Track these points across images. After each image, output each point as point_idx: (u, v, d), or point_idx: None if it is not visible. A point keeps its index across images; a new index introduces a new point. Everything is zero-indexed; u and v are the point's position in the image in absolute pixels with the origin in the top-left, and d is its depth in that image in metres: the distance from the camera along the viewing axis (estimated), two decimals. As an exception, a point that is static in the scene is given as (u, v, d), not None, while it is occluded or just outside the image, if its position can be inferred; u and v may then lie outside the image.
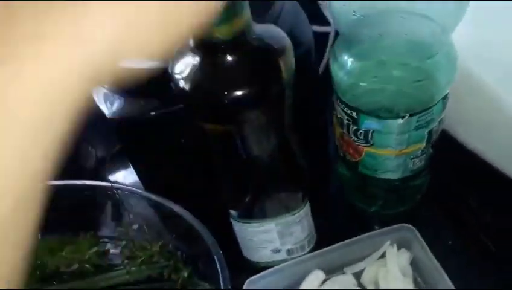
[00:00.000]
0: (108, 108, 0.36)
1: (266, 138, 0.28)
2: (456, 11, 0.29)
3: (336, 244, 0.39)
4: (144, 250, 0.41)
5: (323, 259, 0.39)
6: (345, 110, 0.33)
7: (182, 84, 0.25)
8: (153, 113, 0.34)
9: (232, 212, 0.34)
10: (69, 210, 0.46)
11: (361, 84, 0.32)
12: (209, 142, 0.29)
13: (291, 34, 0.32)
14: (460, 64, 0.33)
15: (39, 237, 0.41)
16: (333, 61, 0.33)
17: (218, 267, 0.34)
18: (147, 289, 0.40)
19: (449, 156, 0.45)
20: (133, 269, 0.40)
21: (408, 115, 0.33)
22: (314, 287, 0.38)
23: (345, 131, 0.35)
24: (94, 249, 0.41)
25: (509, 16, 0.37)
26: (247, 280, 0.37)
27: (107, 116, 0.35)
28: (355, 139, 0.35)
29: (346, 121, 0.34)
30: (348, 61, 0.32)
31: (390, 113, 0.33)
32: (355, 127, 0.34)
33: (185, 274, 0.39)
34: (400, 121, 0.33)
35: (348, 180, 0.40)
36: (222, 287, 0.33)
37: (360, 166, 0.37)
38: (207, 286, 0.38)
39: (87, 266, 0.40)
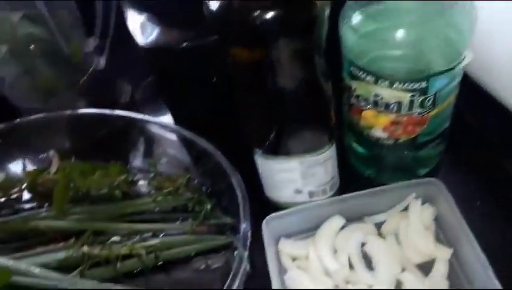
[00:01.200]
0: (142, 37, 0.36)
1: (295, 68, 0.28)
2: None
3: (359, 192, 0.38)
4: (170, 182, 0.43)
5: (345, 205, 0.39)
6: (408, 87, 0.31)
7: (213, 5, 0.25)
8: (186, 43, 0.35)
9: (257, 148, 0.34)
10: (102, 139, 0.48)
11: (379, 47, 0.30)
12: (237, 73, 0.29)
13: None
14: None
15: (73, 160, 0.43)
16: (344, 23, 0.31)
17: (240, 200, 0.35)
18: (171, 218, 0.41)
19: (487, 117, 0.44)
20: (159, 198, 0.42)
21: (466, 55, 0.31)
22: (332, 232, 0.39)
23: (403, 112, 0.32)
24: (123, 177, 0.43)
25: None
26: (266, 218, 0.37)
27: (140, 45, 0.36)
28: (421, 110, 0.32)
29: (410, 98, 0.31)
30: (363, 22, 0.30)
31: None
32: (422, 98, 0.32)
33: (208, 207, 0.40)
34: (464, 62, 0.31)
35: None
36: (242, 219, 0.34)
37: (420, 137, 0.36)
38: (228, 219, 0.39)
39: (116, 191, 0.42)
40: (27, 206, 0.46)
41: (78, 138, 0.50)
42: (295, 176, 0.35)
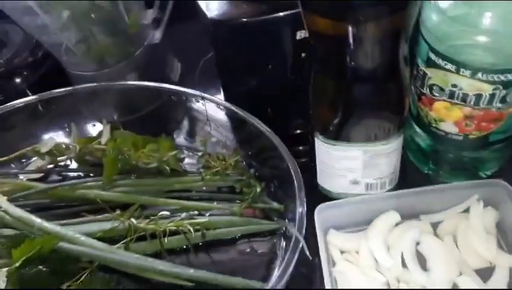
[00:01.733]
0: (210, 9, 0.35)
1: (378, 48, 0.26)
2: None
3: (417, 189, 0.36)
4: (220, 162, 0.42)
5: (401, 201, 0.37)
6: (492, 79, 0.29)
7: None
8: (253, 18, 0.33)
9: (319, 132, 0.33)
10: (150, 112, 0.48)
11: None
12: (314, 46, 0.27)
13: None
14: None
15: (121, 129, 0.43)
16: (429, 2, 0.29)
17: (296, 185, 0.33)
18: (216, 198, 0.41)
19: None
20: (207, 177, 0.41)
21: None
22: (387, 227, 0.37)
23: (481, 106, 0.30)
24: (173, 153, 0.42)
25: None
26: (318, 206, 0.36)
27: (208, 17, 0.35)
28: (500, 106, 0.30)
29: (491, 91, 0.29)
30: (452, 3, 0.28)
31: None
32: (504, 92, 0.29)
33: (258, 190, 0.39)
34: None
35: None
36: (298, 204, 0.33)
37: (493, 135, 0.33)
38: (275, 204, 0.38)
39: (165, 166, 0.42)
40: (73, 174, 0.47)
41: (127, 110, 0.50)
42: (356, 165, 0.33)
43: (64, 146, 0.44)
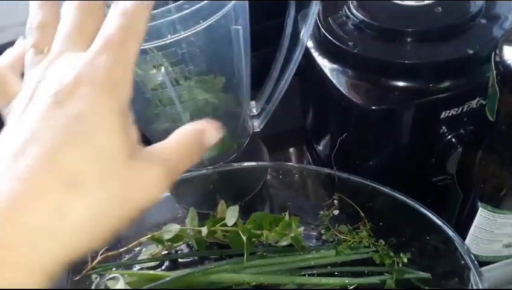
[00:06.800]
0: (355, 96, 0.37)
1: None
2: None
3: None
4: (350, 234, 0.42)
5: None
6: None
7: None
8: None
9: (483, 200, 0.34)
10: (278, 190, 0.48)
11: None
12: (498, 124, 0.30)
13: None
14: None
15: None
16: None
17: (470, 263, 0.34)
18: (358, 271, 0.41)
19: None
20: (342, 250, 0.41)
21: None
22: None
23: None
24: (302, 228, 0.43)
25: None
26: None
27: (358, 103, 0.37)
28: None
29: None
30: None
31: None
32: None
33: (405, 260, 0.39)
34: None
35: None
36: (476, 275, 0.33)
37: None
38: (422, 274, 0.38)
39: (299, 243, 0.42)
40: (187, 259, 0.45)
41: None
42: (517, 229, 0.35)
43: (188, 231, 0.43)
